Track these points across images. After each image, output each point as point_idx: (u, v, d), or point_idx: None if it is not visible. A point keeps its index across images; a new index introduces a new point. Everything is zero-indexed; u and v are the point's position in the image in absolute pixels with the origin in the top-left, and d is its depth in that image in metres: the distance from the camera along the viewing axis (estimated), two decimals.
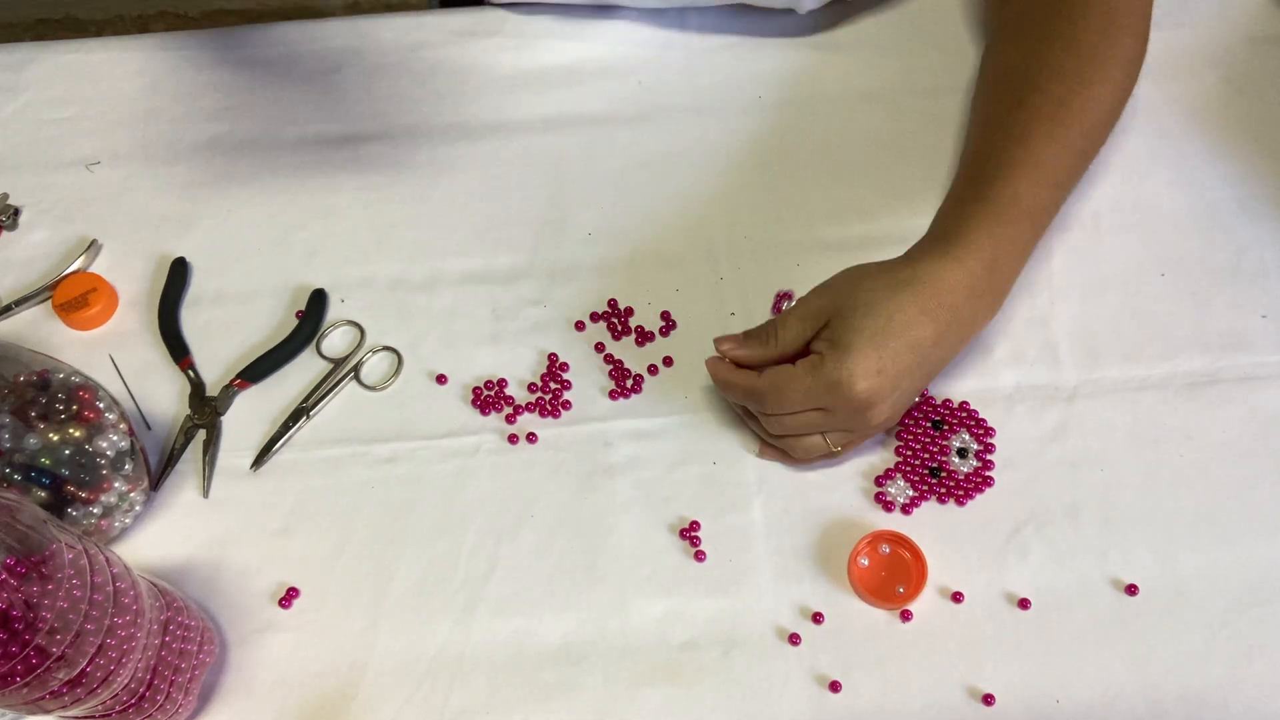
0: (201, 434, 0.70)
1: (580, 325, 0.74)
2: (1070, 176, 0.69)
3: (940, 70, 0.81)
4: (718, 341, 0.66)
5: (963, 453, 0.68)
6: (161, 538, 0.67)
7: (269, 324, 0.74)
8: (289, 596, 0.65)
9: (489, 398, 0.71)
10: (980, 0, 0.83)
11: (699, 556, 0.66)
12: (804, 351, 0.63)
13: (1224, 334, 0.72)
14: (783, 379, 0.62)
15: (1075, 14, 0.69)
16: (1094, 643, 0.63)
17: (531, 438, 0.70)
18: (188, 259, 0.76)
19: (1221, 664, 0.62)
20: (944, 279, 0.62)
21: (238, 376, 0.72)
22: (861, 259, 0.75)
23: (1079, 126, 0.68)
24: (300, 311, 0.74)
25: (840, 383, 0.60)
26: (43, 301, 0.75)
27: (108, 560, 0.53)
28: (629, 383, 0.71)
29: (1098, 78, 0.69)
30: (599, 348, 0.73)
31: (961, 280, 0.62)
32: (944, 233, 0.64)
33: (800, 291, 0.67)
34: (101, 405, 0.66)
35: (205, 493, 0.69)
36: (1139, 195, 0.77)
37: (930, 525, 0.66)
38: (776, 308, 0.72)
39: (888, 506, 0.67)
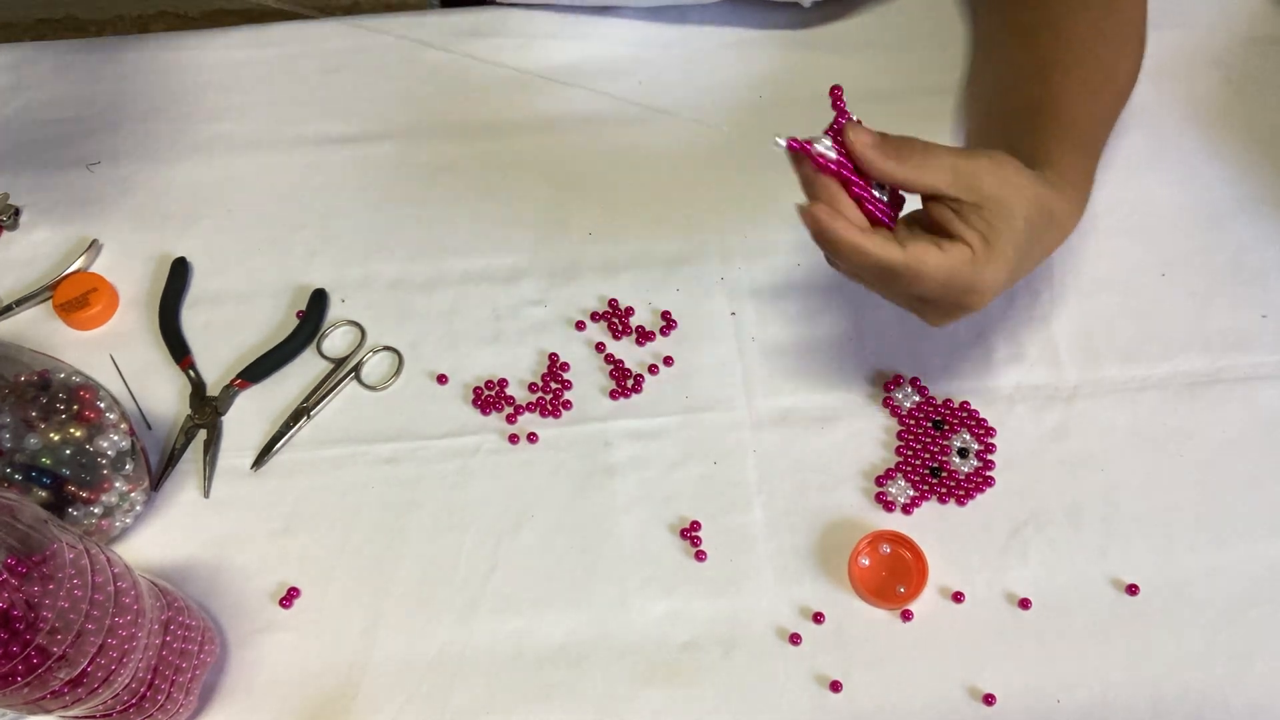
0: (202, 434, 0.70)
1: (580, 325, 0.74)
2: (1105, 133, 0.69)
3: (941, 69, 0.81)
4: (851, 131, 0.54)
5: (963, 453, 0.68)
6: (162, 538, 0.67)
7: (269, 324, 0.74)
8: (290, 596, 0.65)
9: (489, 398, 0.71)
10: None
11: (699, 556, 0.66)
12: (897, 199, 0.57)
13: (1224, 334, 0.72)
14: (925, 268, 0.54)
15: None
16: (1094, 643, 0.63)
17: (532, 438, 0.70)
18: (188, 259, 0.76)
19: (1222, 664, 0.62)
20: (1073, 215, 0.61)
21: (238, 376, 0.72)
22: None
23: (1115, 86, 0.69)
24: (301, 311, 0.74)
25: (978, 288, 0.55)
26: (43, 301, 0.75)
27: (108, 560, 0.53)
28: (629, 383, 0.71)
29: (1124, 48, 0.70)
30: (599, 348, 0.73)
31: (1079, 213, 0.62)
32: (1053, 162, 0.61)
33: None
34: (102, 405, 0.66)
35: (206, 493, 0.69)
36: (1139, 195, 0.77)
37: (931, 525, 0.66)
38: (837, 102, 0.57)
39: (888, 506, 0.67)
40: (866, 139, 0.54)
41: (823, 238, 0.55)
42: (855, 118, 0.55)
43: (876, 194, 0.56)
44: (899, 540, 0.66)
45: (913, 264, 0.54)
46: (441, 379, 0.72)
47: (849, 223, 0.54)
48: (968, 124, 0.75)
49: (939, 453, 0.68)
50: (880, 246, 0.54)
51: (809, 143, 0.54)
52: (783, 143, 0.54)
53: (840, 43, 0.83)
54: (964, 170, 0.55)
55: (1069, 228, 0.61)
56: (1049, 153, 0.62)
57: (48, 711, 0.52)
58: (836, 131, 0.55)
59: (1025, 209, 0.56)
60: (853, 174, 0.55)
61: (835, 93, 0.55)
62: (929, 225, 0.57)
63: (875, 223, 0.56)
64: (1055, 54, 0.68)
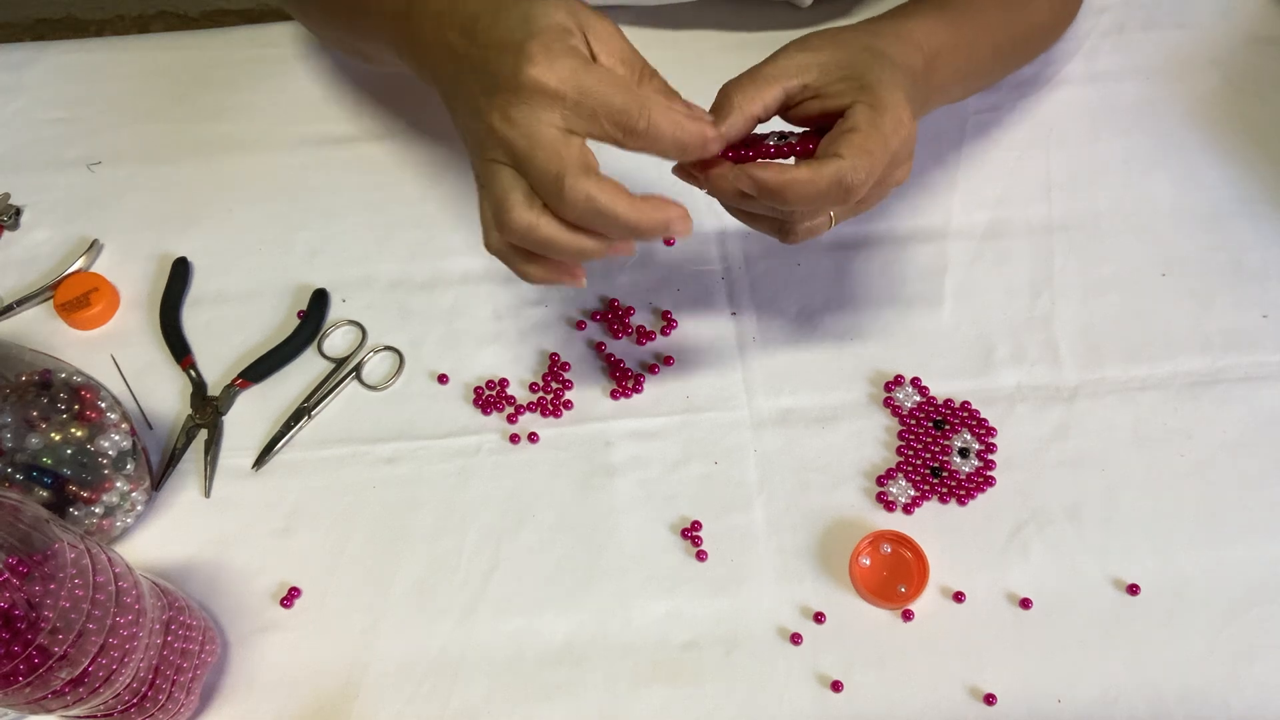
0: (203, 434, 0.70)
1: (581, 325, 0.74)
2: (976, 74, 0.69)
3: None
4: (710, 134, 0.53)
5: (964, 453, 0.68)
6: (163, 537, 0.67)
7: (270, 324, 0.74)
8: (290, 596, 0.65)
9: (490, 397, 0.71)
10: None
11: (700, 556, 0.66)
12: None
13: (1225, 334, 0.72)
14: (867, 147, 0.53)
15: None
16: (1095, 643, 0.63)
17: (533, 437, 0.70)
18: (189, 259, 0.76)
19: (1222, 664, 0.62)
20: (907, 51, 0.59)
21: (239, 376, 0.72)
22: (862, 258, 0.75)
23: (1006, 32, 0.70)
24: (301, 311, 0.74)
25: (902, 123, 0.54)
26: (44, 301, 0.75)
27: (109, 560, 0.53)
28: (629, 383, 0.71)
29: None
30: (599, 348, 0.73)
31: (917, 62, 0.60)
32: (903, 14, 0.63)
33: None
34: (103, 405, 0.66)
35: (207, 492, 0.69)
36: (1139, 195, 0.77)
37: (932, 525, 0.66)
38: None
39: (889, 506, 0.67)
40: (707, 129, 0.53)
41: (769, 189, 0.53)
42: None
43: (775, 140, 0.57)
44: (900, 540, 0.66)
45: (860, 158, 0.53)
46: (442, 379, 0.72)
47: (782, 169, 0.53)
48: None
49: (940, 453, 0.68)
50: (820, 167, 0.53)
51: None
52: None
53: None
54: (784, 69, 0.55)
55: (922, 45, 0.60)
56: (906, 11, 0.63)
57: (49, 711, 0.52)
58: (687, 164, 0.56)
59: (855, 43, 0.56)
60: (739, 150, 0.56)
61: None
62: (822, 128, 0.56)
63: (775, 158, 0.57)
64: None
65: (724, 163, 0.56)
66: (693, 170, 0.57)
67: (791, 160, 0.56)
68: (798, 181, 0.53)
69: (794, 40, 0.58)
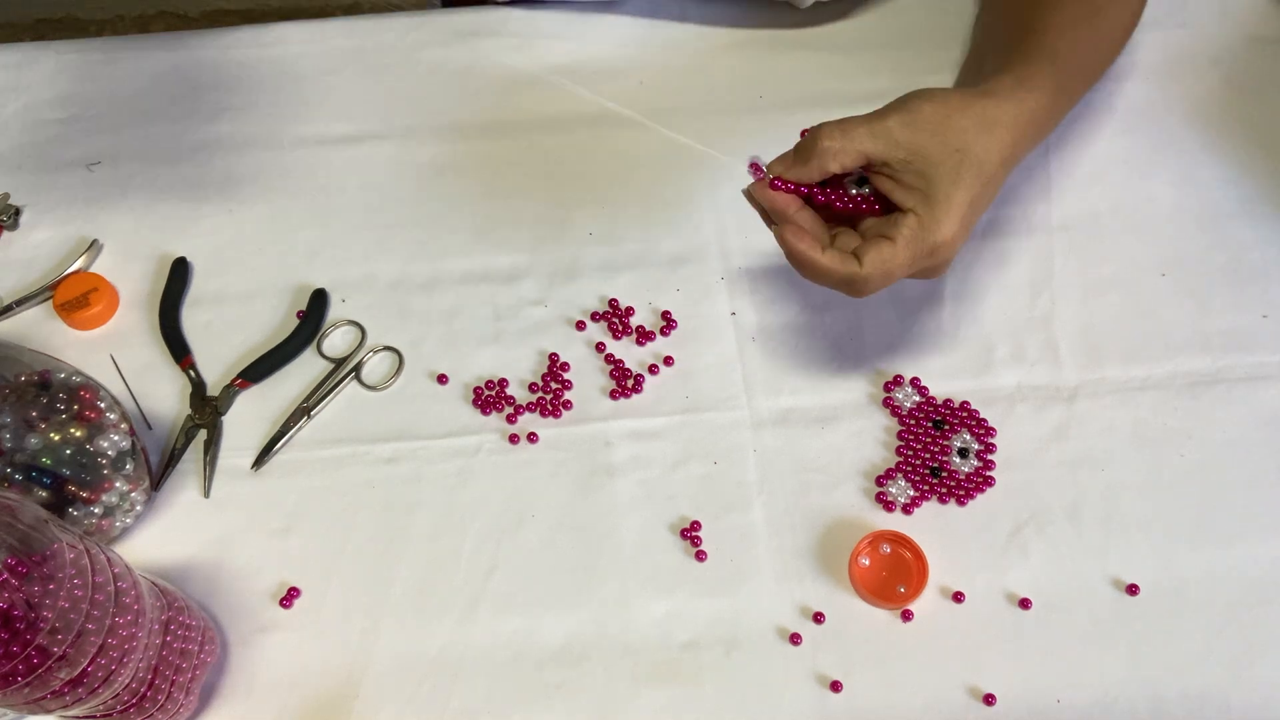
0: (202, 434, 0.70)
1: (580, 325, 0.74)
2: (1086, 79, 0.69)
3: (939, 68, 0.81)
4: (768, 172, 0.58)
5: (963, 453, 0.68)
6: (162, 537, 0.67)
7: (270, 324, 0.74)
8: (290, 596, 0.65)
9: (490, 398, 0.71)
10: None
11: (700, 556, 0.66)
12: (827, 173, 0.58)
13: (1224, 334, 0.72)
14: (889, 264, 0.56)
15: None
16: (1094, 643, 0.63)
17: (532, 438, 0.70)
18: (188, 259, 0.76)
19: (1222, 664, 0.62)
20: (1034, 112, 0.60)
21: (239, 376, 0.72)
22: None
23: (1105, 32, 0.69)
24: (301, 311, 0.74)
25: (942, 244, 0.56)
26: (44, 301, 0.75)
27: (109, 560, 0.53)
28: (629, 383, 0.71)
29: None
30: (599, 348, 0.73)
31: (1036, 110, 0.60)
32: (1008, 67, 0.62)
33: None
34: (103, 405, 0.66)
35: (206, 492, 0.69)
36: (1139, 195, 0.77)
37: (931, 525, 0.66)
38: (756, 170, 0.64)
39: (888, 506, 0.67)
40: (775, 164, 0.58)
41: (792, 257, 0.58)
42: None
43: (853, 192, 0.59)
44: (899, 540, 0.66)
45: (878, 270, 0.57)
46: (442, 379, 0.72)
47: (813, 245, 0.57)
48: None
49: (939, 453, 0.68)
50: (841, 266, 0.57)
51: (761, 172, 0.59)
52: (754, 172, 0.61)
53: (839, 43, 0.83)
54: (882, 133, 0.56)
55: (1025, 125, 0.60)
56: (1009, 61, 0.62)
57: (48, 711, 0.52)
58: (753, 166, 0.61)
59: (957, 139, 0.57)
60: (810, 188, 0.59)
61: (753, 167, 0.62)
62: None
63: (859, 216, 0.60)
64: None
65: (790, 195, 0.59)
66: (758, 190, 0.59)
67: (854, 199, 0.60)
68: (817, 264, 0.57)
69: (909, 100, 0.58)
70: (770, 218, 0.60)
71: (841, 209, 0.60)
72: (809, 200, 0.59)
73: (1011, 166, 0.60)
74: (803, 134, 0.58)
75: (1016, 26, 0.68)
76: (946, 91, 0.59)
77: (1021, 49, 0.64)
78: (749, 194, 0.60)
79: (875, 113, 0.58)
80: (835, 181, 0.59)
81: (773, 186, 0.58)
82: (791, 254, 0.58)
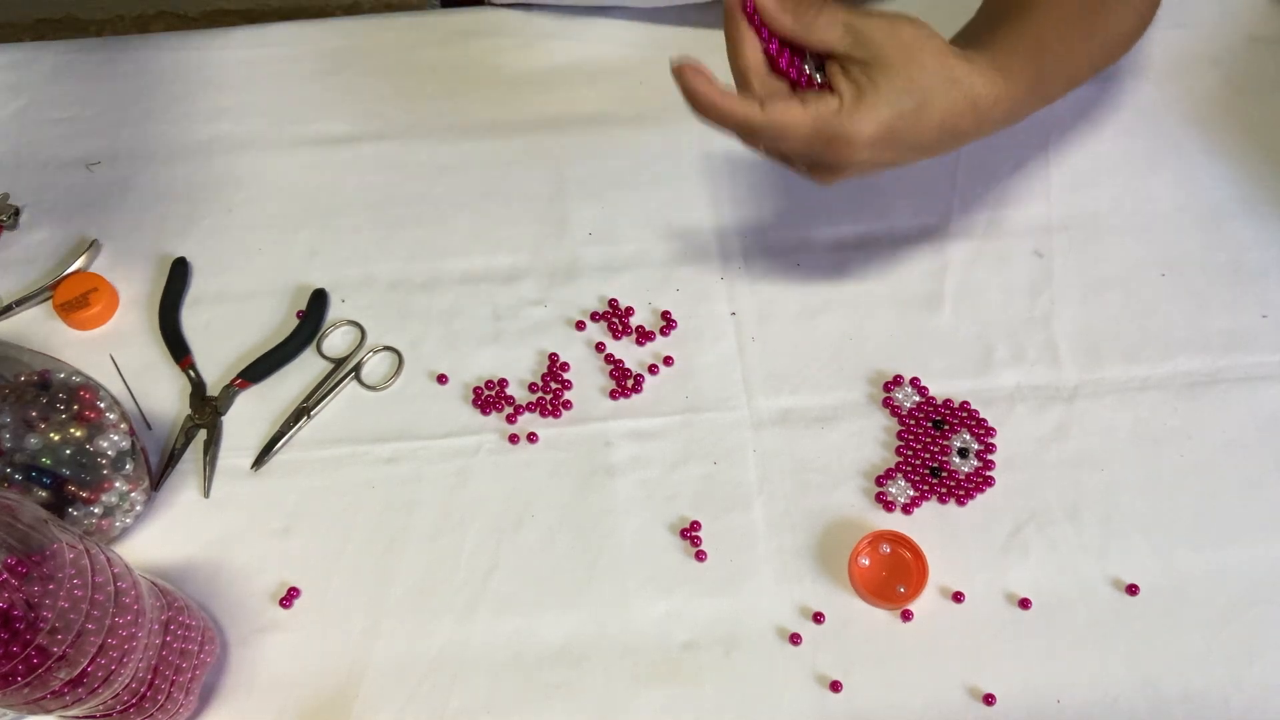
0: (202, 434, 0.70)
1: (580, 325, 0.74)
2: (1070, 79, 0.68)
3: None
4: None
5: (963, 453, 0.68)
6: (162, 538, 0.67)
7: (269, 324, 0.74)
8: (290, 596, 0.65)
9: (489, 398, 0.71)
10: None
11: (700, 556, 0.66)
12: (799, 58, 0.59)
13: (1224, 334, 0.72)
14: (787, 124, 0.56)
15: None
16: (1094, 643, 0.63)
17: (532, 438, 0.70)
18: (188, 259, 0.76)
19: (1222, 664, 0.62)
20: (996, 100, 0.59)
21: (238, 376, 0.72)
22: (861, 258, 0.75)
23: (1102, 33, 0.68)
24: (301, 311, 0.74)
25: (844, 137, 0.56)
26: (43, 301, 0.75)
27: (109, 560, 0.53)
28: (629, 383, 0.71)
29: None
30: (599, 348, 0.73)
31: (1008, 104, 0.60)
32: (992, 45, 0.62)
33: None
34: (102, 405, 0.66)
35: (206, 493, 0.69)
36: (1139, 195, 0.77)
37: (931, 525, 0.66)
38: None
39: (888, 506, 0.67)
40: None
41: (687, 94, 0.57)
42: None
43: (808, 71, 0.59)
44: (899, 540, 0.66)
45: (775, 121, 0.56)
46: (441, 379, 0.72)
47: (709, 83, 0.57)
48: None
49: (939, 453, 0.68)
50: (739, 105, 0.56)
51: None
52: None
53: None
54: (856, 27, 0.57)
55: (985, 109, 0.59)
56: (989, 39, 0.62)
57: (48, 711, 0.52)
58: None
59: (917, 72, 0.57)
60: (773, 41, 0.58)
61: None
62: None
63: (792, 85, 0.59)
64: None
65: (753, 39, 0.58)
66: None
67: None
68: (714, 102, 0.57)
69: (898, 18, 0.58)
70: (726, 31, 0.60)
71: (794, 80, 0.59)
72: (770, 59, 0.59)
73: (949, 136, 0.59)
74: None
75: (1010, 5, 0.66)
76: (934, 32, 0.58)
77: (1010, 28, 0.63)
78: (729, 9, 0.59)
79: (863, 9, 0.58)
80: (796, 51, 0.59)
81: (744, 11, 0.58)
82: (688, 91, 0.57)
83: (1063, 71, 0.66)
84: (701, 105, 0.58)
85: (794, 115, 0.56)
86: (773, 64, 0.59)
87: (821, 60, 0.59)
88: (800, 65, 0.59)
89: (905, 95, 0.56)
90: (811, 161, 0.60)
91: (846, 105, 0.56)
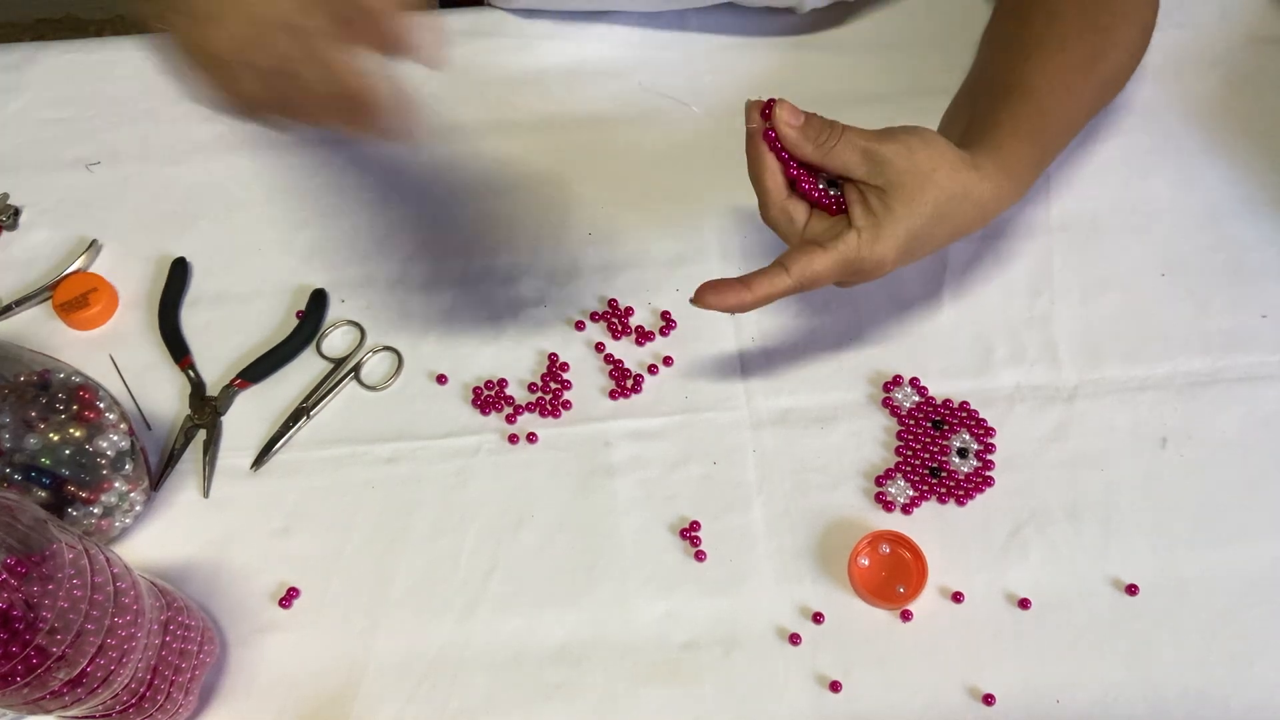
0: (202, 434, 0.70)
1: (580, 325, 0.74)
2: (1075, 128, 0.70)
3: (940, 70, 0.81)
4: (777, 106, 0.60)
5: (963, 453, 0.68)
6: (162, 538, 0.67)
7: (269, 324, 0.74)
8: (289, 596, 0.65)
9: (489, 398, 0.71)
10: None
11: (699, 556, 0.66)
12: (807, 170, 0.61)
13: (1224, 334, 0.72)
14: (817, 274, 0.60)
15: None
16: (1094, 643, 0.63)
17: (532, 438, 0.70)
18: (188, 259, 0.76)
19: (1221, 664, 0.62)
20: (1000, 200, 0.62)
21: (238, 376, 0.72)
22: None
23: (1097, 78, 0.69)
24: (300, 311, 0.74)
25: (867, 264, 0.59)
26: (43, 301, 0.75)
27: (108, 560, 0.53)
28: (629, 383, 0.71)
29: (1116, 37, 0.70)
30: (599, 348, 0.73)
31: (1011, 198, 0.63)
32: (998, 139, 0.63)
33: None
34: (102, 405, 0.66)
35: (205, 493, 0.69)
36: (1139, 195, 0.77)
37: (930, 525, 0.66)
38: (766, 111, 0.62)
39: (888, 506, 0.67)
40: (787, 116, 0.59)
41: (719, 309, 0.61)
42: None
43: (823, 188, 0.61)
44: (899, 540, 0.66)
45: (805, 278, 0.60)
46: (441, 379, 0.72)
47: (736, 293, 0.60)
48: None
49: (939, 453, 0.68)
50: (770, 285, 0.60)
51: (771, 107, 0.59)
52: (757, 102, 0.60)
53: (838, 46, 0.83)
54: (874, 154, 0.59)
55: (991, 210, 0.62)
56: (994, 135, 0.64)
57: (47, 711, 0.52)
58: (766, 105, 0.60)
59: (932, 193, 0.59)
60: (793, 164, 0.61)
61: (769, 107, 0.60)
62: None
63: (813, 204, 0.62)
64: (1043, 36, 0.68)
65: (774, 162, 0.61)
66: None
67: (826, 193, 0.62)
68: (743, 302, 0.60)
69: (912, 140, 0.59)
70: (748, 157, 0.62)
71: (808, 194, 0.61)
72: (790, 180, 0.61)
73: (958, 235, 0.62)
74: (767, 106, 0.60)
75: (1009, 76, 0.67)
76: (944, 144, 0.60)
77: (1010, 110, 0.65)
78: (751, 132, 0.61)
79: (881, 133, 0.60)
80: (810, 169, 0.61)
81: (766, 138, 0.60)
82: (717, 309, 0.61)
83: (1064, 136, 0.68)
84: (738, 310, 0.61)
85: (819, 264, 0.59)
86: (793, 185, 0.61)
87: (838, 178, 0.61)
88: (816, 183, 0.61)
89: (919, 216, 0.59)
90: (843, 283, 0.63)
91: (865, 238, 0.59)
